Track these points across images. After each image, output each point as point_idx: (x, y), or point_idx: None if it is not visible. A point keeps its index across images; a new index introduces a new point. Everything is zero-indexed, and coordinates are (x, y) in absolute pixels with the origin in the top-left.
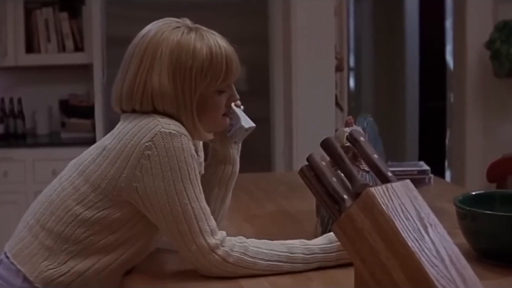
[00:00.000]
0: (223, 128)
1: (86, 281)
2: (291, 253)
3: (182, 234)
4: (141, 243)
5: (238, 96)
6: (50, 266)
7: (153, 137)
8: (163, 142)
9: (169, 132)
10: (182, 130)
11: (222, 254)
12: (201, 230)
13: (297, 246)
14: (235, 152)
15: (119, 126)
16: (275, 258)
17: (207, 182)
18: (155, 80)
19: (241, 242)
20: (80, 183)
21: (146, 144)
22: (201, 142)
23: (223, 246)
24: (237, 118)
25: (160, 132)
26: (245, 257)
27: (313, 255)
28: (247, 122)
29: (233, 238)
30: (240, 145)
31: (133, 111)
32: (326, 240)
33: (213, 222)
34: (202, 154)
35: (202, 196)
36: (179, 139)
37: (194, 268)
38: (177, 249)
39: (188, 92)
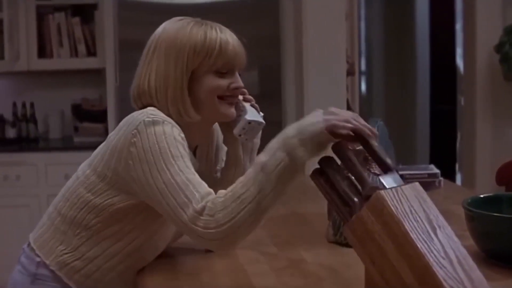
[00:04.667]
0: (227, 118)
1: (98, 267)
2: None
3: (172, 208)
4: (148, 234)
5: (241, 84)
6: (65, 251)
7: (138, 125)
8: (145, 129)
9: (151, 120)
10: (167, 119)
11: (209, 211)
12: (189, 199)
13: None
14: (246, 158)
15: None
16: (247, 184)
17: (219, 184)
18: (153, 65)
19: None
20: (90, 173)
21: (132, 132)
22: (224, 148)
23: (207, 203)
24: (245, 112)
25: (144, 120)
26: (225, 198)
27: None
28: (253, 116)
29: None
30: (254, 152)
31: (144, 107)
32: None
33: (202, 189)
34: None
35: (188, 170)
36: (161, 126)
37: (205, 264)
38: (176, 227)
39: (180, 68)
